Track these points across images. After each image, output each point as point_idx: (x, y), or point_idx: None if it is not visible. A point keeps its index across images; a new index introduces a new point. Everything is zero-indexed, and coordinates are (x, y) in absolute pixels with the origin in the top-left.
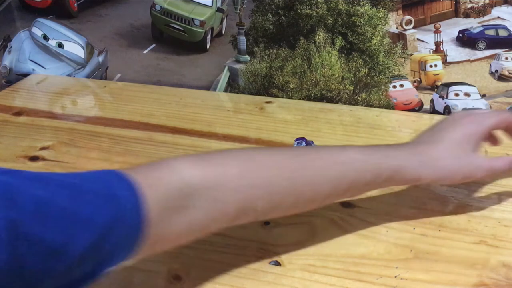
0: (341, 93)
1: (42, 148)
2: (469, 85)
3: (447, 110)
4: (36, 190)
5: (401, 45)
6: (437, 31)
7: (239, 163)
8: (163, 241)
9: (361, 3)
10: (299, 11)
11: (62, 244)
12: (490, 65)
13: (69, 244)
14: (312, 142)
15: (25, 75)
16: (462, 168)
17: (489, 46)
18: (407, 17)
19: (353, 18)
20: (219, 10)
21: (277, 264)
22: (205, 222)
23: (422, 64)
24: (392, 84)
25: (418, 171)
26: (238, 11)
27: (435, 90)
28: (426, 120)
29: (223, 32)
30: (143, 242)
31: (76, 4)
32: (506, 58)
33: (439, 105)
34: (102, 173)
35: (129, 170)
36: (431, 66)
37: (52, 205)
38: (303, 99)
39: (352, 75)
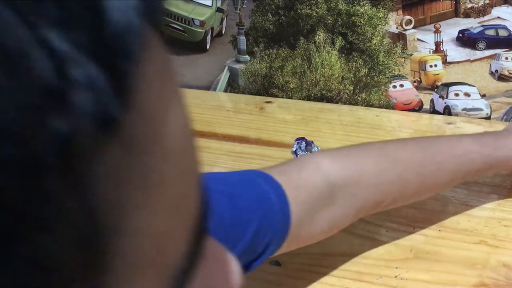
0: (341, 93)
1: None
2: (469, 85)
3: (447, 110)
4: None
5: (401, 45)
6: (437, 31)
7: (375, 160)
8: (301, 240)
9: (361, 3)
10: (299, 11)
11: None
12: (490, 65)
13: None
14: (312, 142)
15: None
16: None
17: (489, 46)
18: (407, 17)
19: (353, 18)
20: (219, 10)
21: (277, 264)
22: (343, 218)
23: (422, 64)
24: (392, 84)
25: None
26: (238, 11)
27: (435, 90)
28: (426, 120)
29: (223, 32)
30: (285, 242)
31: None
32: (506, 58)
33: (439, 105)
34: (250, 174)
35: (274, 170)
36: (431, 66)
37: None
38: (303, 99)
39: (352, 75)
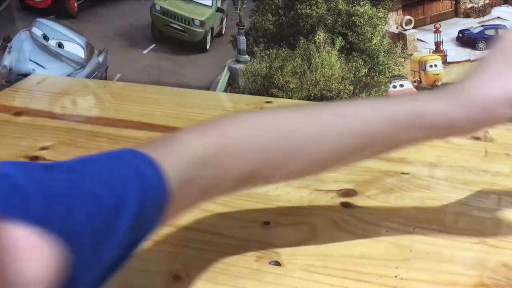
0: (341, 93)
1: (42, 148)
2: None
3: None
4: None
5: (401, 45)
6: (437, 31)
7: (238, 128)
8: (179, 210)
9: (361, 3)
10: (299, 11)
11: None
12: None
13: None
14: None
15: (25, 75)
16: (506, 93)
17: (489, 46)
18: (407, 17)
19: (353, 18)
20: (219, 10)
21: (277, 264)
22: (213, 190)
23: (422, 64)
24: (392, 84)
25: (447, 109)
26: (238, 11)
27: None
28: None
29: (223, 32)
30: (165, 214)
31: (76, 4)
32: None
33: None
34: (124, 152)
35: (146, 147)
36: (431, 66)
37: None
38: (303, 99)
39: (352, 75)
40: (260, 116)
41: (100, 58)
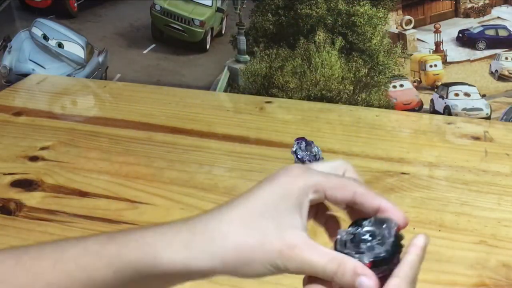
0: (341, 93)
1: (42, 148)
2: (469, 85)
3: (447, 110)
4: None
5: (401, 45)
6: (437, 31)
7: None
8: None
9: (361, 3)
10: (299, 11)
11: None
12: (490, 65)
13: None
14: (312, 142)
15: (25, 75)
16: (254, 247)
17: (489, 46)
18: (407, 17)
19: (353, 18)
20: (219, 10)
21: None
22: None
23: (422, 64)
24: (392, 84)
25: (186, 259)
26: (238, 11)
27: (435, 90)
28: (426, 120)
29: (223, 32)
30: None
31: (76, 4)
32: (506, 58)
33: (439, 105)
34: None
35: None
36: (431, 66)
37: None
38: (303, 99)
39: (352, 75)
40: None
41: (100, 58)
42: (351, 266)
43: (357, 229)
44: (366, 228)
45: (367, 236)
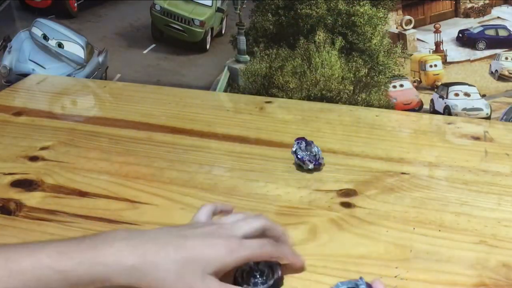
0: (341, 93)
1: (42, 148)
2: (469, 85)
3: (447, 110)
4: None
5: (401, 45)
6: (437, 31)
7: None
8: None
9: (361, 3)
10: (299, 11)
11: None
12: (490, 65)
13: None
14: (312, 142)
15: (25, 75)
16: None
17: (489, 46)
18: (407, 17)
19: (353, 18)
20: (219, 10)
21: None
22: None
23: (422, 64)
24: (392, 84)
25: (132, 280)
26: (238, 11)
27: (435, 90)
28: (426, 120)
29: (223, 32)
30: None
31: (76, 4)
32: (506, 58)
33: (439, 105)
34: None
35: None
36: (431, 66)
37: None
38: (303, 99)
39: (352, 75)
40: None
41: (100, 58)
42: None
43: (254, 264)
44: (260, 266)
45: (257, 274)
